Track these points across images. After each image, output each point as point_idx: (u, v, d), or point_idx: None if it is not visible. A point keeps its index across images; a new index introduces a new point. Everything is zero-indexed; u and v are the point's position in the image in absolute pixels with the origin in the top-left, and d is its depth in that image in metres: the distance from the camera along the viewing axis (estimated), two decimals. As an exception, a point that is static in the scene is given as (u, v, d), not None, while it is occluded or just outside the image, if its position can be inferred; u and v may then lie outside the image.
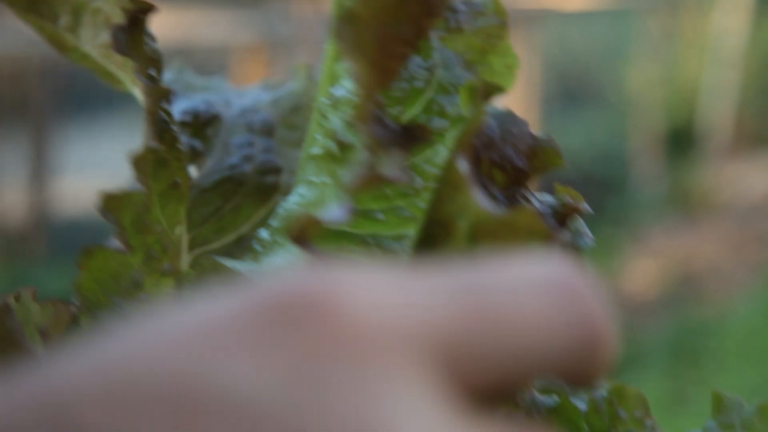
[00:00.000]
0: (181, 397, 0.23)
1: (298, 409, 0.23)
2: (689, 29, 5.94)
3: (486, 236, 0.33)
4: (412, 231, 0.37)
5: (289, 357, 0.23)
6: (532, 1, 4.83)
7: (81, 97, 4.18)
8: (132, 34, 0.40)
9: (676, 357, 3.50)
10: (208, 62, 4.32)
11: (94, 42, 0.43)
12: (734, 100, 5.65)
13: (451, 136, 0.39)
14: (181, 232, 0.42)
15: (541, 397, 0.41)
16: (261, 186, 0.44)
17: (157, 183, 0.40)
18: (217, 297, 0.24)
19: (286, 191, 0.41)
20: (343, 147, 0.38)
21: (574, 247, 0.39)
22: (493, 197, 0.38)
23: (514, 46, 0.42)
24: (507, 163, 0.39)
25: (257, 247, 0.39)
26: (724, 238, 4.65)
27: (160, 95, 0.41)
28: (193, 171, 0.44)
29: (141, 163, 0.40)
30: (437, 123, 0.40)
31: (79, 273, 0.43)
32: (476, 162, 0.38)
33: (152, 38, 0.42)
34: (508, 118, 0.41)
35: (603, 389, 0.41)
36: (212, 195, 0.44)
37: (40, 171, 3.45)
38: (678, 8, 5.89)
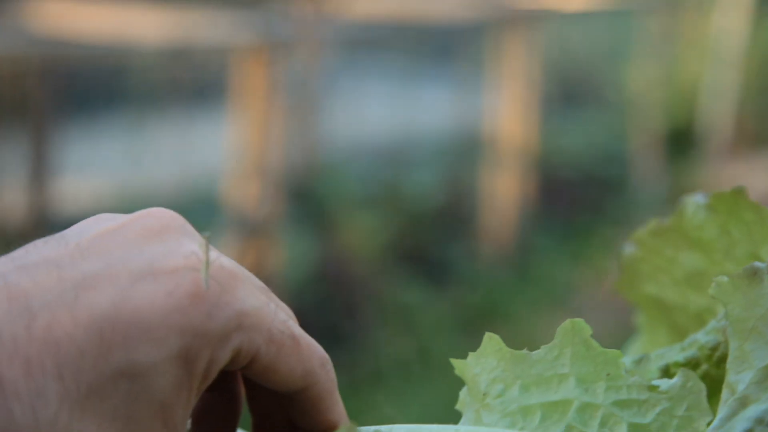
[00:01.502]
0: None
1: None
2: (689, 29, 5.94)
3: None
4: None
5: None
6: (532, 1, 4.83)
7: (81, 97, 4.17)
8: None
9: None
10: (208, 62, 4.32)
11: None
12: (734, 100, 5.65)
13: None
14: None
15: None
16: None
17: None
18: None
19: None
20: None
21: None
22: None
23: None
24: None
25: None
26: (724, 238, 4.65)
27: None
28: None
29: None
30: None
31: None
32: None
33: None
34: None
35: None
36: None
37: (40, 171, 3.45)
38: (678, 8, 5.89)
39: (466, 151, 4.76)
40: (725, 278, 0.42)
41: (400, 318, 3.66)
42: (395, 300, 3.75)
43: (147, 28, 3.43)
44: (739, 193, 0.50)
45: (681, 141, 5.63)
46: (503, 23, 4.51)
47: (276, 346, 0.41)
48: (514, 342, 0.51)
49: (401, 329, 3.59)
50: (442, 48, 4.96)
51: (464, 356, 0.49)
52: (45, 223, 3.51)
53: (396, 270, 3.92)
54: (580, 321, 0.43)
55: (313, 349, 0.43)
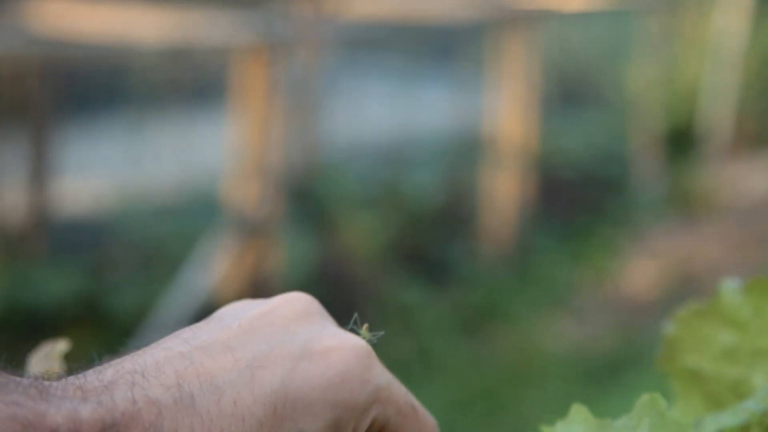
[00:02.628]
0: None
1: None
2: (689, 29, 5.94)
3: None
4: None
5: None
6: (532, 1, 4.83)
7: (81, 97, 4.17)
8: None
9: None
10: (208, 62, 4.32)
11: None
12: (734, 100, 5.65)
13: None
14: None
15: None
16: None
17: None
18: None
19: None
20: None
21: None
22: None
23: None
24: None
25: None
26: (724, 238, 4.65)
27: None
28: None
29: None
30: None
31: None
32: None
33: None
34: None
35: None
36: None
37: (40, 171, 3.45)
38: (678, 8, 5.89)
39: (466, 151, 4.76)
40: None
41: (400, 318, 3.66)
42: (395, 300, 3.75)
43: (147, 28, 3.43)
44: None
45: (681, 141, 5.63)
46: (503, 23, 4.51)
47: (402, 416, 0.48)
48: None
49: (401, 329, 3.59)
50: (442, 48, 4.96)
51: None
52: (45, 223, 3.51)
53: (396, 270, 3.92)
54: (656, 395, 0.48)
55: (427, 417, 0.50)
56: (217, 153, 3.84)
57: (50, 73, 3.49)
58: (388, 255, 3.94)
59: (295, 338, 0.46)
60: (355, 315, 0.49)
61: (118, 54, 3.69)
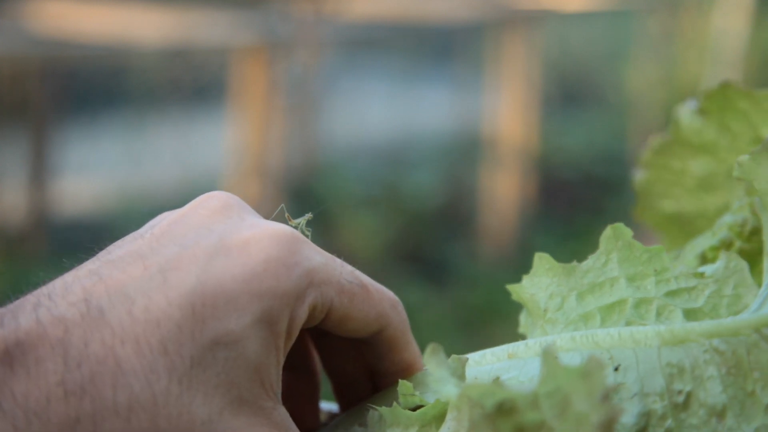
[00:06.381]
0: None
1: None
2: (689, 29, 5.94)
3: None
4: None
5: None
6: (532, 1, 4.83)
7: (81, 97, 4.17)
8: None
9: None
10: (208, 62, 4.32)
11: None
12: (734, 100, 5.65)
13: None
14: None
15: None
16: None
17: None
18: None
19: None
20: None
21: None
22: None
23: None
24: None
25: None
26: (724, 238, 4.65)
27: None
28: None
29: None
30: None
31: None
32: None
33: None
34: None
35: None
36: None
37: (40, 171, 3.45)
38: (678, 8, 5.89)
39: (466, 151, 4.76)
40: (746, 157, 0.43)
41: (400, 318, 3.65)
42: (395, 300, 3.75)
43: (147, 29, 3.43)
44: (726, 86, 0.50)
45: (681, 141, 5.63)
46: (503, 23, 4.51)
47: (347, 296, 0.45)
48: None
49: (401, 329, 3.59)
50: (442, 48, 4.96)
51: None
52: (45, 223, 3.51)
53: (396, 270, 3.92)
54: (620, 225, 0.46)
55: (383, 293, 0.48)
56: (217, 153, 3.83)
57: (50, 73, 3.49)
58: (387, 255, 3.94)
59: (210, 235, 0.42)
60: (281, 206, 0.47)
61: (118, 54, 3.68)
